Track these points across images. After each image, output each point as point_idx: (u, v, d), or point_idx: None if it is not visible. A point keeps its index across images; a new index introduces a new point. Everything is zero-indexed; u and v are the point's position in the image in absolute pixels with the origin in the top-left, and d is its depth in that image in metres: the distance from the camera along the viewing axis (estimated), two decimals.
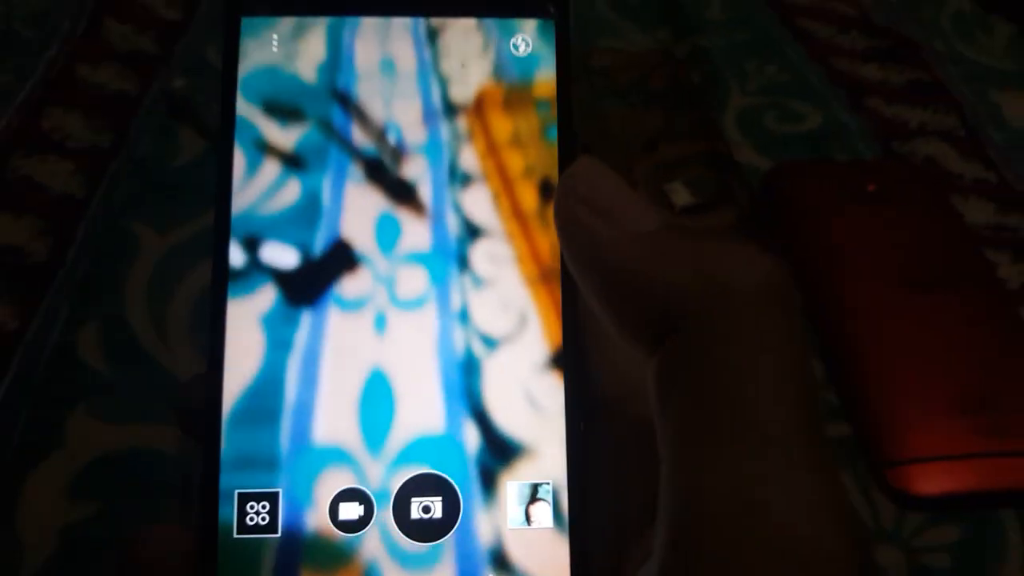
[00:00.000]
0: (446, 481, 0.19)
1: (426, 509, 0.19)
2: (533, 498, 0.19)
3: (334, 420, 0.19)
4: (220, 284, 0.20)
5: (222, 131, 0.20)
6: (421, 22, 0.21)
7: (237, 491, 0.19)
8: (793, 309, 0.16)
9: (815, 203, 0.42)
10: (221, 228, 0.20)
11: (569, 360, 0.20)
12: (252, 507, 0.19)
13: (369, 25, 0.21)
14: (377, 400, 0.20)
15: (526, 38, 0.21)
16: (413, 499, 0.19)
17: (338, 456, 0.19)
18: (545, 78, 0.21)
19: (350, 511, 0.19)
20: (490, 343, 0.20)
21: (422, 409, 0.20)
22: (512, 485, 0.19)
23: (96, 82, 0.51)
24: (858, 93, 0.52)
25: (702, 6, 0.59)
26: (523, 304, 0.20)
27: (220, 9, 0.21)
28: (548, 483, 0.19)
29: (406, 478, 0.19)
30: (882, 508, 0.33)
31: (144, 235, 0.42)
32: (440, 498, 0.19)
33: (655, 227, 0.17)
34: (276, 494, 0.19)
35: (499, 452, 0.19)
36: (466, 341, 0.20)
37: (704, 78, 0.52)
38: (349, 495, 0.19)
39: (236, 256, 0.20)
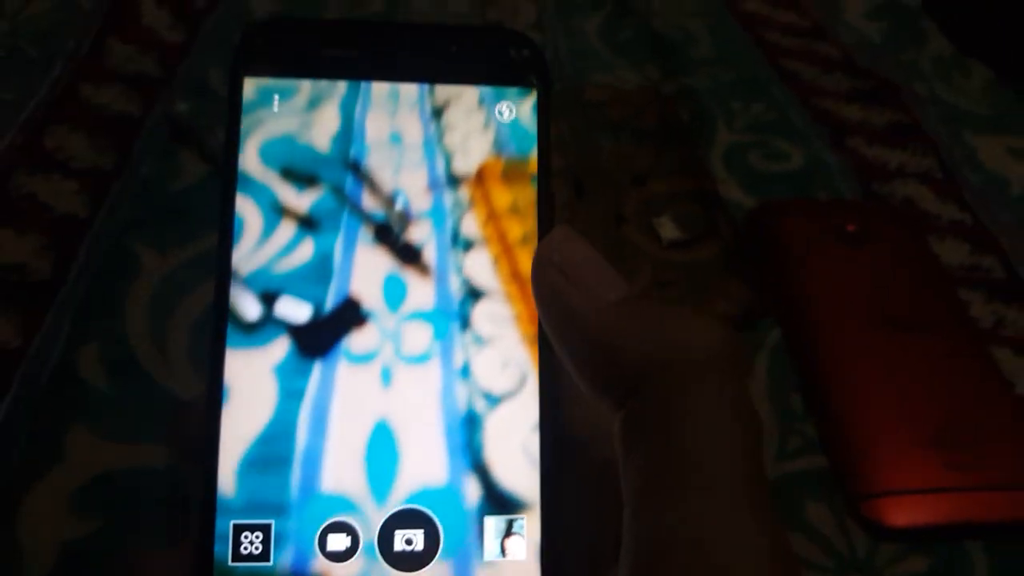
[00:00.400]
0: (427, 515, 0.21)
1: (408, 541, 0.21)
2: (508, 532, 0.21)
3: (341, 469, 0.21)
4: (219, 334, 0.21)
5: (223, 188, 0.22)
6: (426, 98, 0.23)
7: (232, 522, 0.20)
8: (739, 373, 0.18)
9: (797, 242, 0.44)
10: (221, 287, 0.21)
11: (543, 404, 0.21)
12: (246, 536, 0.20)
13: (379, 99, 0.23)
14: (382, 451, 0.21)
15: (510, 105, 0.23)
16: (396, 531, 0.21)
17: (343, 505, 0.21)
18: (534, 151, 0.23)
19: (338, 542, 0.21)
20: (491, 399, 0.21)
21: (424, 461, 0.21)
22: (489, 520, 0.21)
23: (99, 103, 0.52)
24: (840, 133, 0.54)
25: (690, 45, 0.61)
26: (522, 362, 0.22)
27: (226, 69, 0.23)
28: (522, 518, 0.21)
29: (391, 512, 0.21)
30: (856, 538, 0.34)
31: (145, 255, 0.43)
32: (422, 531, 0.21)
33: (622, 296, 0.19)
34: (269, 525, 0.20)
35: (499, 505, 0.21)
36: (468, 396, 0.21)
37: (692, 116, 0.54)
38: (337, 527, 0.21)
39: (252, 309, 0.21)
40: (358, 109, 0.22)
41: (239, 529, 0.20)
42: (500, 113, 0.23)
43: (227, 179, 0.22)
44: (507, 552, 0.21)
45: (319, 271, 0.22)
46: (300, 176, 0.22)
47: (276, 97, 0.22)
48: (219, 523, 0.20)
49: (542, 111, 0.23)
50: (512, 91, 0.23)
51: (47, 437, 0.35)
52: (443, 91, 0.23)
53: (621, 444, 0.18)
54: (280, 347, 0.21)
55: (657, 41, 0.60)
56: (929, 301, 0.42)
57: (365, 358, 0.21)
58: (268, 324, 0.21)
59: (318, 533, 0.21)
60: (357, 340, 0.21)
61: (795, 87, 0.57)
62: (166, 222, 0.45)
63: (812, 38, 0.63)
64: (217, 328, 0.21)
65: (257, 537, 0.20)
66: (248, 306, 0.21)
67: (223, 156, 0.22)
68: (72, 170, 0.47)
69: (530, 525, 0.21)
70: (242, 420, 0.21)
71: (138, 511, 0.33)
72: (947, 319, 0.41)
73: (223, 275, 0.21)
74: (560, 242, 0.20)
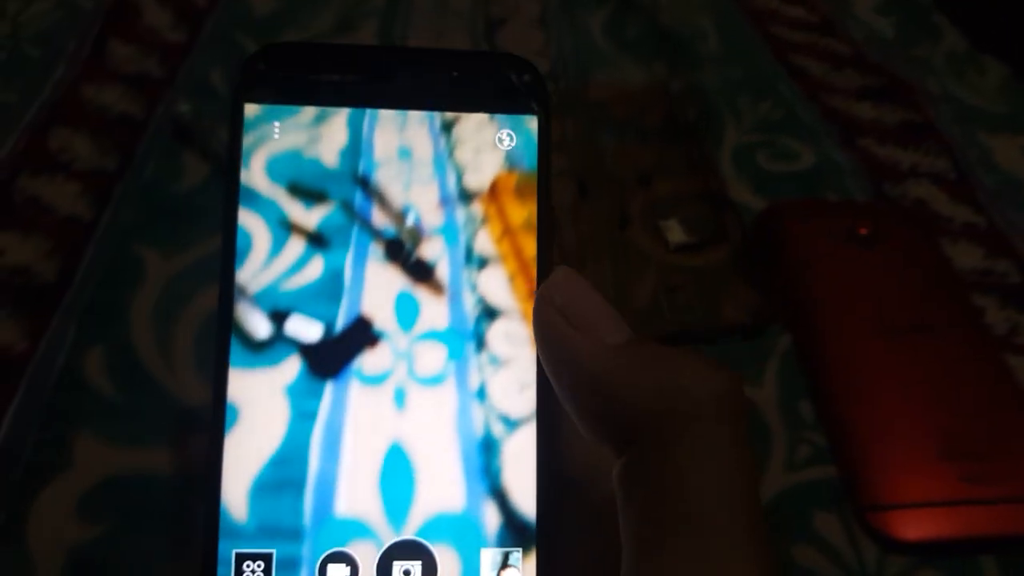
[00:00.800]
0: (425, 547, 0.21)
1: (406, 572, 0.20)
2: (504, 564, 0.21)
3: (355, 492, 0.21)
4: (223, 356, 0.21)
5: (226, 211, 0.22)
6: (435, 113, 0.23)
7: (234, 551, 0.20)
8: (739, 417, 0.18)
9: (807, 245, 0.43)
10: (225, 307, 0.21)
11: (541, 439, 0.21)
12: (248, 565, 0.20)
13: (387, 114, 0.22)
14: (397, 475, 0.21)
15: (511, 132, 0.23)
16: (395, 563, 0.20)
17: (358, 529, 0.20)
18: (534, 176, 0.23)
19: (338, 572, 0.20)
20: (508, 423, 0.21)
21: (440, 486, 0.21)
22: (487, 552, 0.21)
23: (101, 103, 0.52)
24: (851, 132, 0.53)
25: (697, 41, 0.60)
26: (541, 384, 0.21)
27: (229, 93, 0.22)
28: (518, 551, 0.21)
29: (391, 543, 0.21)
30: (865, 550, 0.33)
31: (149, 258, 0.43)
32: (420, 562, 0.20)
33: (623, 340, 0.19)
34: (271, 554, 0.20)
35: (516, 534, 0.21)
36: (484, 419, 0.21)
37: (699, 115, 0.53)
38: (337, 558, 0.20)
39: (261, 328, 0.21)
40: (366, 124, 0.22)
41: (241, 558, 0.20)
42: (500, 140, 0.23)
43: (229, 202, 0.22)
44: None
45: (329, 289, 0.21)
46: (308, 192, 0.22)
47: (276, 124, 0.22)
48: (226, 548, 0.20)
49: (542, 138, 0.23)
50: (513, 118, 0.23)
51: (54, 442, 0.35)
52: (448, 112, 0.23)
53: (620, 489, 0.18)
54: (291, 367, 0.21)
55: (663, 38, 0.60)
56: (942, 306, 0.41)
57: (378, 379, 0.21)
58: (278, 343, 0.21)
59: (319, 563, 0.20)
60: (370, 360, 0.21)
61: (804, 84, 0.57)
62: (170, 224, 0.44)
63: (821, 33, 0.62)
64: (220, 352, 0.21)
65: (259, 566, 0.20)
66: (258, 325, 0.21)
67: (225, 179, 0.22)
68: (75, 172, 0.47)
69: (526, 558, 0.21)
70: (253, 441, 0.21)
71: (144, 517, 0.33)
72: (960, 325, 0.40)
73: (226, 298, 0.21)
74: (562, 283, 0.20)
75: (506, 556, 0.21)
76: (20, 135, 0.49)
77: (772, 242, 0.44)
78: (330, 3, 0.60)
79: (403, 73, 0.23)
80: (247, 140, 0.22)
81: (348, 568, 0.20)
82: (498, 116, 0.23)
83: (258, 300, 0.21)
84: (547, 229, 0.22)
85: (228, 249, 0.21)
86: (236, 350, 0.21)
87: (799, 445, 0.37)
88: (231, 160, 0.22)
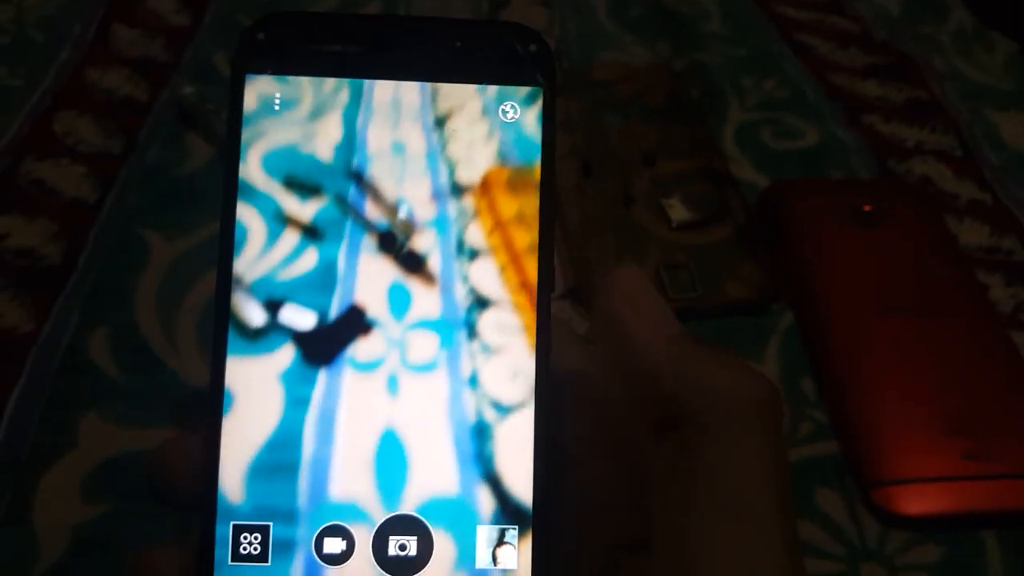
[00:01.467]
0: (421, 522, 0.21)
1: (402, 547, 0.21)
2: (500, 541, 0.21)
3: (349, 476, 0.21)
4: (220, 343, 0.21)
5: (226, 185, 0.22)
6: (429, 108, 0.22)
7: (232, 522, 0.21)
8: (776, 421, 0.19)
9: (810, 223, 0.43)
10: (222, 296, 0.21)
11: (539, 416, 0.21)
12: (245, 537, 0.21)
13: (381, 109, 0.22)
14: (390, 459, 0.21)
15: (515, 105, 0.22)
16: (391, 537, 0.21)
17: (352, 513, 0.21)
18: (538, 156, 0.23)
19: (334, 545, 0.21)
20: (500, 409, 0.21)
21: (433, 470, 0.21)
22: (482, 529, 0.21)
23: (106, 87, 0.52)
24: (855, 110, 0.53)
25: (702, 20, 0.59)
26: (532, 373, 0.22)
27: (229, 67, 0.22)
28: (515, 528, 0.21)
29: (387, 517, 0.21)
30: (867, 526, 0.33)
31: (153, 241, 0.43)
32: (415, 537, 0.21)
33: (678, 334, 0.21)
34: (267, 527, 0.21)
35: (511, 516, 0.21)
36: (476, 405, 0.21)
37: (702, 93, 0.53)
38: (334, 531, 0.21)
39: (256, 316, 0.21)
40: (360, 119, 0.22)
41: (239, 530, 0.21)
42: (504, 113, 0.22)
43: (229, 177, 0.22)
44: (498, 561, 0.21)
45: (323, 279, 0.22)
46: (303, 186, 0.22)
47: (278, 98, 0.22)
48: (222, 527, 0.21)
49: (547, 112, 0.22)
50: (518, 90, 0.22)
51: (58, 423, 0.35)
52: (446, 99, 0.22)
53: (665, 466, 0.20)
54: (285, 354, 0.21)
55: (667, 17, 0.59)
56: (946, 284, 0.41)
57: (371, 366, 0.21)
58: (273, 331, 0.21)
59: (315, 536, 0.21)
60: (363, 348, 0.21)
61: (809, 62, 0.56)
62: (174, 207, 0.44)
63: (827, 11, 0.61)
64: (218, 337, 0.21)
65: (256, 538, 0.21)
66: (253, 313, 0.21)
67: (225, 156, 0.22)
68: (80, 155, 0.47)
69: (522, 535, 0.21)
70: (248, 426, 0.21)
71: (148, 497, 0.33)
72: (965, 303, 0.40)
73: (224, 282, 0.21)
74: (629, 276, 0.22)
75: (502, 533, 0.21)
76: (25, 119, 0.49)
77: (775, 220, 0.44)
78: None
79: (405, 43, 0.22)
80: (248, 111, 0.22)
81: (344, 542, 0.21)
82: (501, 89, 0.22)
83: (253, 289, 0.21)
84: (550, 205, 0.22)
85: (227, 225, 0.22)
86: (232, 338, 0.21)
87: (801, 422, 0.37)
88: (231, 132, 0.22)
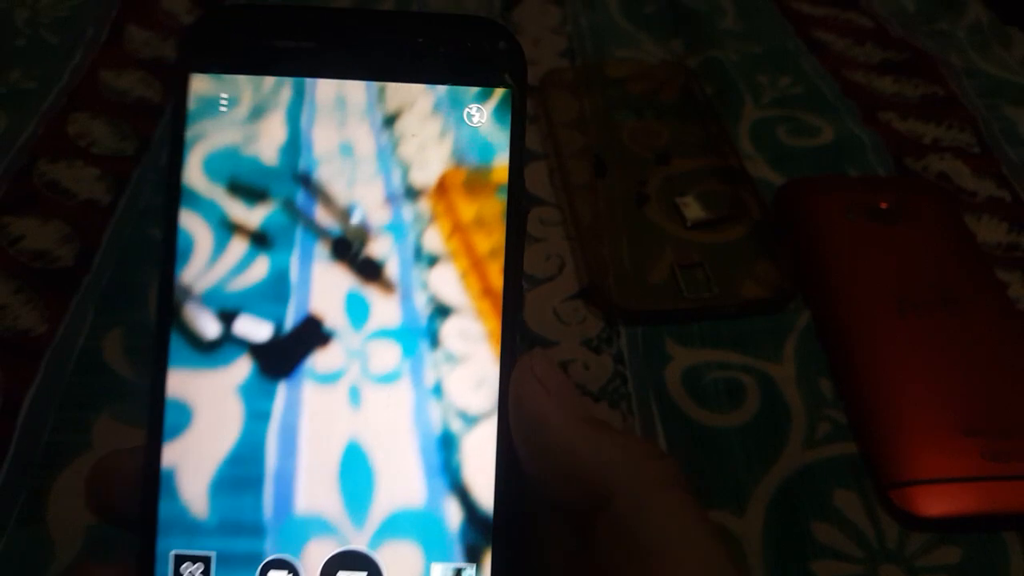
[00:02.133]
0: (370, 559, 0.20)
1: None
2: None
3: (314, 490, 0.20)
4: (162, 356, 0.20)
5: (168, 191, 0.20)
6: (376, 105, 0.21)
7: (172, 552, 0.20)
8: (686, 485, 0.20)
9: (827, 220, 0.42)
10: (164, 307, 0.20)
11: (499, 463, 0.21)
12: (187, 568, 0.20)
13: (325, 107, 0.21)
14: (356, 472, 0.20)
15: (480, 107, 0.21)
16: (340, 572, 0.20)
17: (321, 526, 0.20)
18: (503, 160, 0.21)
19: None
20: (467, 419, 0.21)
21: (400, 482, 0.20)
22: (436, 567, 0.20)
23: (119, 88, 0.52)
24: (872, 107, 0.52)
25: (716, 17, 0.59)
26: (498, 379, 0.21)
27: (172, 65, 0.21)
28: (472, 568, 0.20)
29: (333, 553, 0.20)
30: (886, 527, 0.33)
31: None
32: (365, 573, 0.20)
33: (586, 414, 0.21)
34: (209, 557, 0.20)
35: (478, 526, 0.20)
36: (442, 415, 0.21)
37: (717, 91, 0.53)
38: (278, 564, 0.20)
39: (210, 328, 0.20)
40: (304, 118, 0.21)
41: (180, 560, 0.20)
42: (470, 116, 0.21)
43: (172, 185, 0.20)
44: None
45: (276, 289, 0.21)
46: (249, 191, 0.21)
47: (224, 97, 0.21)
48: (183, 546, 0.20)
49: (516, 114, 0.21)
50: (484, 92, 0.21)
51: (73, 423, 0.35)
52: (395, 97, 0.21)
53: (602, 538, 0.20)
54: (242, 367, 0.20)
55: (681, 13, 0.59)
56: (965, 282, 0.40)
57: (331, 377, 0.21)
58: (227, 344, 0.20)
59: (259, 569, 0.20)
60: (322, 359, 0.21)
61: (825, 59, 0.56)
62: None
63: (843, 7, 0.61)
64: (159, 350, 0.20)
65: (198, 568, 0.20)
66: (206, 325, 0.20)
67: (167, 160, 0.21)
68: (94, 156, 0.47)
69: (479, 574, 0.20)
70: (208, 441, 0.20)
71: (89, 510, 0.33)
72: (984, 301, 0.40)
73: (166, 293, 0.20)
74: (540, 358, 0.21)
75: (458, 572, 0.20)
76: (40, 120, 0.49)
77: (791, 218, 0.44)
78: None
79: (363, 39, 0.21)
80: (192, 113, 0.21)
81: (289, 575, 0.20)
82: (466, 89, 0.21)
83: (204, 300, 0.20)
84: (517, 218, 0.21)
85: (170, 232, 0.20)
86: (186, 351, 0.20)
87: (819, 422, 0.36)
88: (175, 134, 0.20)
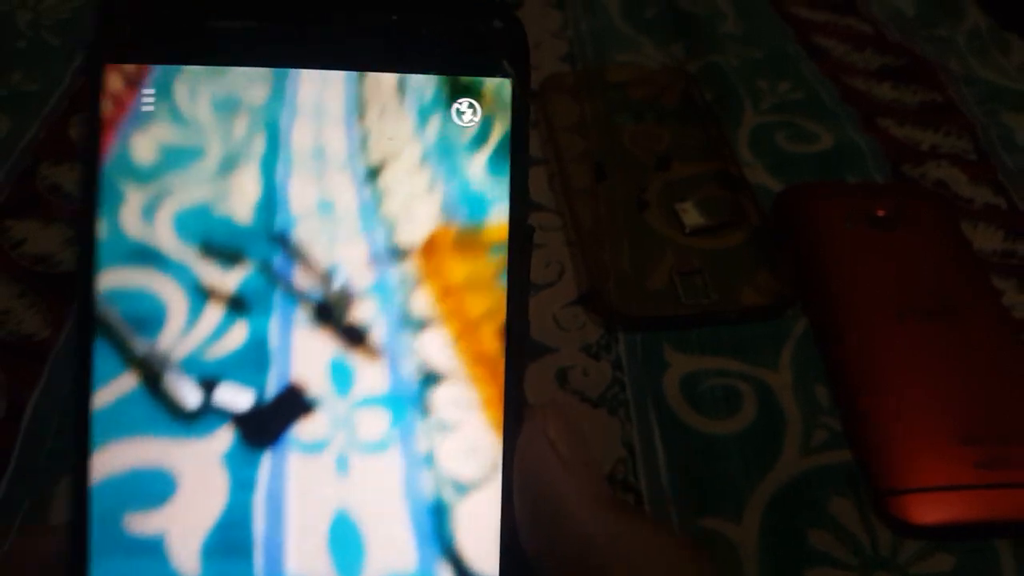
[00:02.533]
0: None
1: None
2: None
3: (304, 558, 0.19)
4: (83, 390, 0.19)
5: (82, 196, 0.18)
6: (358, 158, 0.19)
7: None
8: None
9: (825, 227, 0.43)
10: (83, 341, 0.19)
11: (506, 495, 0.20)
12: None
13: (302, 161, 0.19)
14: (344, 541, 0.20)
15: (473, 102, 0.18)
16: None
17: None
18: (498, 218, 0.19)
19: None
20: (459, 488, 0.20)
21: (391, 552, 0.19)
22: None
23: None
24: (871, 113, 0.52)
25: (716, 21, 0.59)
26: (491, 449, 0.20)
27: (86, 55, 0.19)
28: None
29: None
30: (880, 535, 0.33)
31: None
32: None
33: (603, 492, 0.19)
34: None
35: None
36: (434, 483, 0.20)
37: (717, 96, 0.53)
38: None
39: (190, 397, 0.20)
40: (279, 171, 0.19)
41: None
42: (459, 113, 0.18)
43: (86, 197, 0.18)
44: None
45: (255, 357, 0.19)
46: (222, 252, 0.19)
47: (149, 93, 0.18)
48: None
49: (517, 110, 0.18)
50: (476, 81, 0.18)
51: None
52: (366, 89, 0.18)
53: None
54: (224, 436, 0.20)
55: (682, 18, 0.59)
56: (961, 289, 0.40)
57: (316, 447, 0.20)
58: (208, 413, 0.19)
59: None
60: (306, 428, 0.20)
61: (824, 65, 0.56)
62: None
63: (842, 12, 0.61)
64: (76, 427, 0.19)
65: None
66: (186, 394, 0.19)
67: (81, 162, 0.18)
68: None
69: None
70: (194, 510, 0.19)
71: None
72: (980, 308, 0.40)
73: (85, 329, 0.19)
74: (555, 417, 0.19)
75: None
76: (42, 123, 0.49)
77: (790, 224, 0.44)
78: None
79: (323, 17, 0.17)
80: (107, 112, 0.18)
81: None
82: (454, 79, 0.18)
83: (183, 368, 0.19)
84: (520, 240, 0.19)
85: (85, 288, 0.18)
86: (167, 420, 0.19)
87: (815, 430, 0.37)
88: (88, 144, 0.18)
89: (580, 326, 0.41)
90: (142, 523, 0.19)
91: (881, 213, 0.43)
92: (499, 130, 0.18)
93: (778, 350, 0.40)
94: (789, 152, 0.50)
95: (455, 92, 0.18)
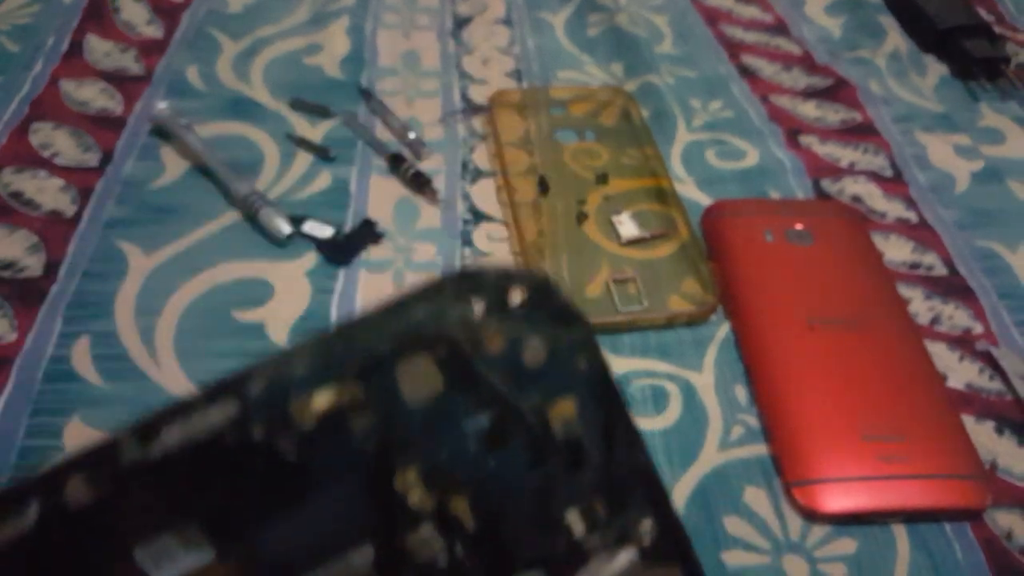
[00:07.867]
0: None
1: None
2: None
3: None
4: None
5: None
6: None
7: None
8: None
9: (746, 241, 0.47)
10: None
11: None
12: None
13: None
14: None
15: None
16: None
17: None
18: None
19: None
20: None
21: None
22: None
23: (81, 99, 0.54)
24: (795, 131, 0.56)
25: (654, 41, 0.63)
26: None
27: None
28: None
29: None
30: (790, 521, 0.37)
31: (131, 252, 0.45)
32: None
33: None
34: None
35: None
36: None
37: (653, 114, 0.56)
38: None
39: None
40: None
41: None
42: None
43: None
44: None
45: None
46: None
47: None
48: None
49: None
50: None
51: (46, 429, 0.38)
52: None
53: None
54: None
55: (622, 38, 0.62)
56: (870, 298, 0.44)
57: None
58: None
59: None
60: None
61: (755, 84, 0.60)
62: (151, 219, 0.47)
63: (774, 34, 0.65)
64: None
65: None
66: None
67: None
68: (57, 167, 0.49)
69: None
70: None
71: None
72: (887, 316, 0.44)
73: None
74: None
75: None
76: (3, 131, 0.51)
77: (715, 238, 0.48)
78: None
79: None
80: None
81: None
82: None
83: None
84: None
85: None
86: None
87: (734, 426, 0.40)
88: None
89: None
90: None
91: (799, 227, 0.47)
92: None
93: (702, 353, 0.43)
94: (718, 168, 0.53)
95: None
